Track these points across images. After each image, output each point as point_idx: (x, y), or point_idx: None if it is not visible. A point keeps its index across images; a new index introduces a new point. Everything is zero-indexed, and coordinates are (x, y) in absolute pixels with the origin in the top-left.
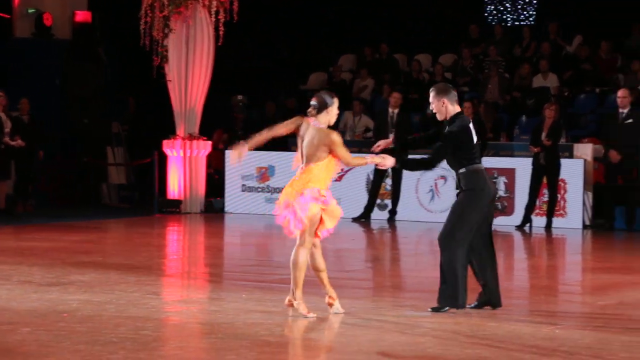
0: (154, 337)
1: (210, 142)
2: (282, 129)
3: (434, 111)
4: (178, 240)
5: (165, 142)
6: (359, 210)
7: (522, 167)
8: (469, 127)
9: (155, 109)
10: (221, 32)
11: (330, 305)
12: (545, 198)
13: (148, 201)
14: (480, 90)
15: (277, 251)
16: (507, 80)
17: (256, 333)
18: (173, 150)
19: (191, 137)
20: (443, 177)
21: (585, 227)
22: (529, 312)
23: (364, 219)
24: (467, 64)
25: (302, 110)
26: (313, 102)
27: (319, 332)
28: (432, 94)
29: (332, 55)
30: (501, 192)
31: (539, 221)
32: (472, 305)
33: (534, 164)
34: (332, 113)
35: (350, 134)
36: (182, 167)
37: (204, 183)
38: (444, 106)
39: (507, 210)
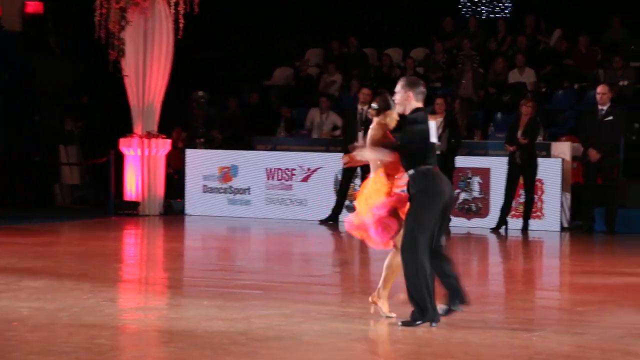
0: (110, 347)
1: (169, 141)
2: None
3: (395, 102)
4: (135, 244)
5: (122, 140)
6: (326, 212)
7: (498, 166)
8: (427, 124)
9: (112, 106)
10: (181, 25)
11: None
12: (522, 199)
13: (104, 203)
14: (454, 86)
15: (239, 255)
16: (482, 75)
17: (218, 342)
18: (130, 149)
19: (149, 135)
20: None
21: (563, 229)
22: (504, 318)
23: (332, 221)
24: (440, 59)
25: (265, 107)
26: (374, 104)
27: (285, 341)
28: (399, 84)
29: (298, 49)
30: (475, 193)
31: (515, 223)
32: (443, 310)
33: (509, 163)
34: (391, 116)
35: (317, 131)
36: (139, 167)
37: (163, 184)
38: (407, 100)
39: (482, 212)
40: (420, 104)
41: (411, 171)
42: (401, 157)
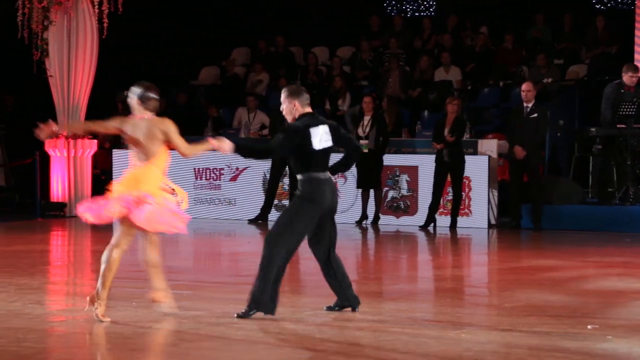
0: (37, 350)
1: (95, 141)
2: (101, 127)
3: (284, 113)
4: (62, 246)
5: (47, 141)
6: (255, 212)
7: (425, 164)
8: (309, 130)
9: (36, 106)
10: (105, 24)
11: (157, 301)
12: (450, 196)
13: (29, 204)
14: (381, 85)
15: (168, 256)
16: (408, 73)
17: (148, 343)
18: (56, 150)
19: (75, 136)
20: (343, 176)
21: (490, 226)
22: (433, 315)
23: (260, 221)
24: (367, 57)
25: (193, 106)
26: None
27: (216, 341)
28: (283, 95)
29: (225, 49)
30: (404, 191)
31: (443, 220)
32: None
33: (437, 161)
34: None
35: (245, 131)
36: (66, 168)
37: (90, 184)
38: (294, 109)
39: (410, 210)
40: (308, 109)
41: (299, 176)
42: (290, 161)
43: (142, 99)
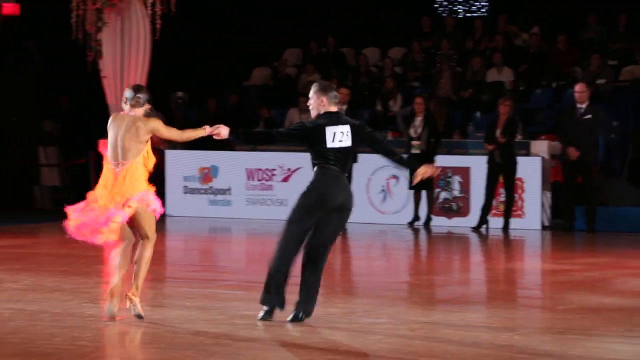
0: (92, 348)
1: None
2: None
3: (310, 107)
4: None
5: (101, 141)
6: None
7: (477, 165)
8: (324, 128)
9: (90, 107)
10: (158, 26)
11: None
12: (502, 198)
13: None
14: (432, 85)
15: (221, 256)
16: (460, 74)
17: (201, 342)
18: None
19: None
20: (395, 177)
21: (544, 227)
22: (486, 317)
23: None
24: (418, 58)
25: (244, 107)
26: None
27: (268, 342)
28: (312, 90)
29: (276, 49)
30: (456, 192)
31: (495, 222)
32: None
33: (489, 162)
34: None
35: None
36: None
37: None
38: (322, 105)
39: (462, 211)
40: (334, 108)
41: (314, 168)
42: (268, 143)
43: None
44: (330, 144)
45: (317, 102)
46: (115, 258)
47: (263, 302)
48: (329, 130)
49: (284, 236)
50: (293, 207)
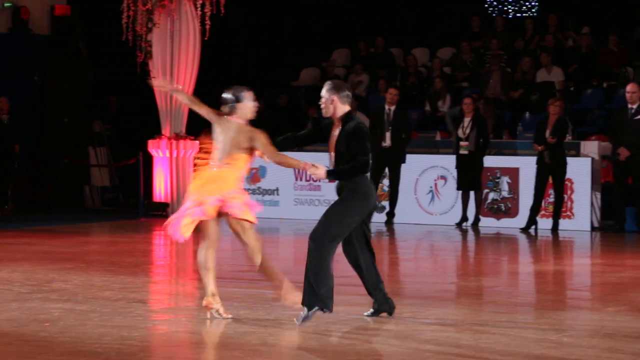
0: (140, 348)
1: (197, 142)
2: (202, 109)
3: (321, 106)
4: (165, 245)
5: (150, 142)
6: None
7: (526, 166)
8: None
9: (140, 107)
10: (207, 26)
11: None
12: (551, 199)
13: (133, 204)
14: (481, 86)
15: (270, 256)
16: (509, 74)
17: (248, 342)
18: (159, 151)
19: (177, 136)
20: (443, 178)
21: (593, 229)
22: (534, 318)
23: None
24: (467, 58)
25: (293, 108)
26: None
27: (314, 342)
28: (324, 89)
29: (325, 50)
30: (505, 193)
31: (544, 223)
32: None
33: (538, 162)
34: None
35: None
36: (168, 168)
37: None
38: (332, 104)
39: (511, 212)
40: (347, 107)
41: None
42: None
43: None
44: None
45: (327, 102)
46: (199, 259)
47: (322, 305)
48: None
49: (335, 243)
50: (339, 213)
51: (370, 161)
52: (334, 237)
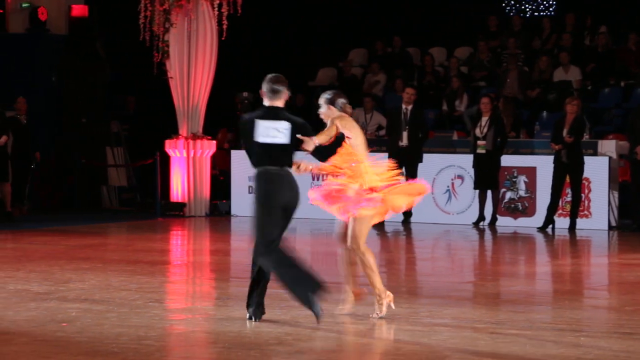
0: (158, 347)
1: (214, 142)
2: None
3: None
4: (182, 245)
5: (167, 142)
6: None
7: (544, 165)
8: (255, 122)
9: (157, 107)
10: (224, 26)
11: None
12: (569, 198)
13: (150, 204)
14: (498, 85)
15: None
16: (527, 74)
17: (265, 342)
18: (176, 151)
19: (195, 136)
20: (460, 177)
21: (611, 228)
22: (551, 318)
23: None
24: (484, 58)
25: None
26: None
27: (330, 341)
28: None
29: (342, 50)
30: (522, 192)
31: (562, 222)
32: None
33: (555, 162)
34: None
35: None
36: (185, 168)
37: (208, 185)
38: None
39: (529, 211)
40: (266, 102)
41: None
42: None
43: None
44: (259, 138)
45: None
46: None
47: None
48: (260, 124)
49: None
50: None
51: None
52: (257, 245)
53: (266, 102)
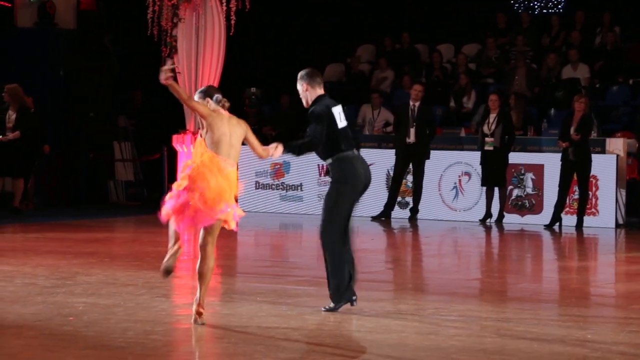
0: (164, 342)
1: None
2: (194, 103)
3: (301, 96)
4: (188, 240)
5: (174, 137)
6: (378, 209)
7: (551, 163)
8: (331, 109)
9: (164, 102)
10: (233, 22)
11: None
12: (576, 195)
13: (157, 199)
14: (506, 82)
15: (292, 252)
16: (535, 71)
17: (271, 338)
18: (183, 146)
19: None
20: (467, 174)
21: (618, 226)
22: (559, 315)
23: (383, 218)
24: (492, 55)
25: None
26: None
27: (338, 338)
28: (298, 80)
29: (350, 46)
30: (529, 190)
31: (569, 220)
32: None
33: (563, 159)
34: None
35: (369, 128)
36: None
37: None
38: (306, 91)
39: (536, 209)
40: (321, 91)
41: (329, 160)
42: (315, 149)
43: (216, 100)
44: (340, 124)
45: (301, 90)
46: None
47: (349, 299)
48: (335, 111)
49: (332, 235)
50: (328, 207)
51: (315, 140)
52: (328, 229)
53: (320, 91)
